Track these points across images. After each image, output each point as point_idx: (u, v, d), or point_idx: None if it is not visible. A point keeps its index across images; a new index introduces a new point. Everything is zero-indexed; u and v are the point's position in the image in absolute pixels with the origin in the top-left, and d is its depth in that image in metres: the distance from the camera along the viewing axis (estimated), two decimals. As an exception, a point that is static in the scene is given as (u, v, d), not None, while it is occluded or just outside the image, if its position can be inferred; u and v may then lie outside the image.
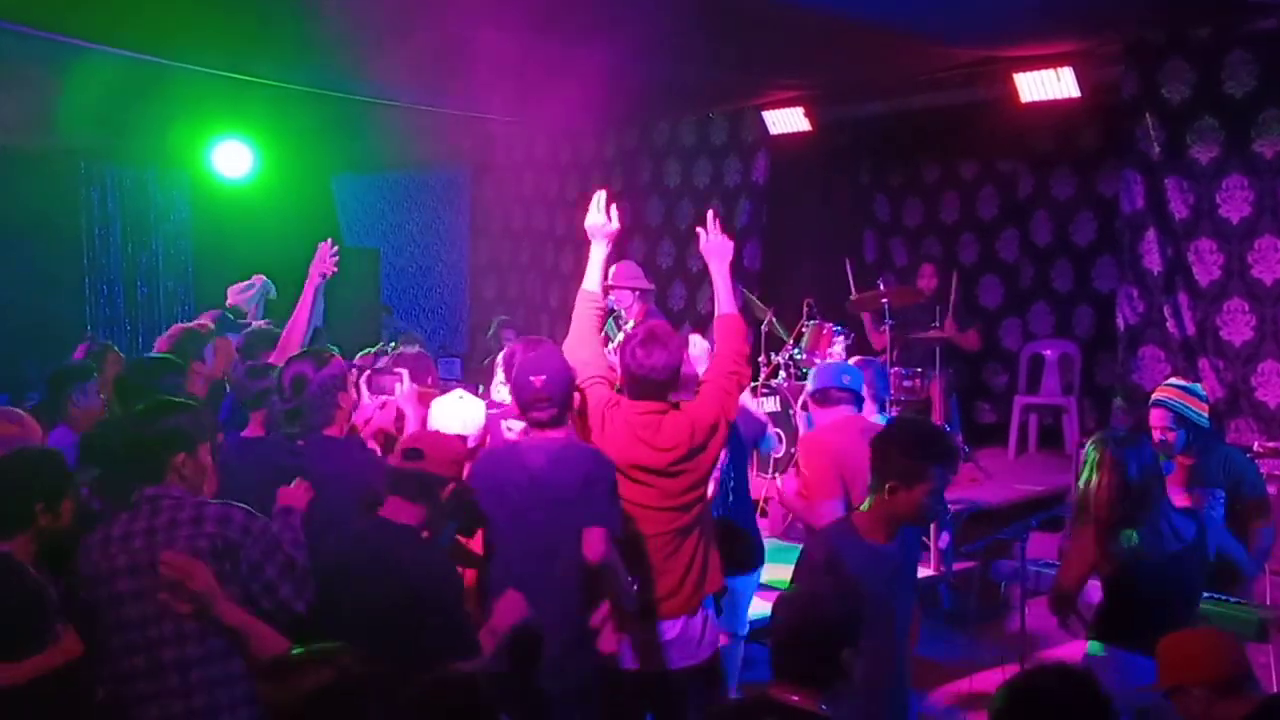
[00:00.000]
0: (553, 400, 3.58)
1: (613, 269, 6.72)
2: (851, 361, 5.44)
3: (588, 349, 3.98)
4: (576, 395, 3.77)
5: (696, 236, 4.30)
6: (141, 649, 3.06)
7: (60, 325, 9.47)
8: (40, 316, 9.14)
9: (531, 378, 3.57)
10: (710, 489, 4.09)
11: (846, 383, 4.57)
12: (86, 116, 8.06)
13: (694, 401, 3.91)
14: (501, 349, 4.80)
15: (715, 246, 4.14)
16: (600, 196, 4.17)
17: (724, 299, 4.08)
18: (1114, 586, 3.74)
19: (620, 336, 6.07)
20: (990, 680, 4.92)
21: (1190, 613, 3.72)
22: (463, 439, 3.71)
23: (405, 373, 4.45)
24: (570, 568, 3.50)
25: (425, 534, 3.26)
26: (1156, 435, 4.42)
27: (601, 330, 4.13)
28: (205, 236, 10.17)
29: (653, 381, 3.78)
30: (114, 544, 3.13)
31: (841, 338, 7.64)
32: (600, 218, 4.14)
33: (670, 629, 3.80)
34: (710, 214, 4.24)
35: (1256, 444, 6.21)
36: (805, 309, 7.89)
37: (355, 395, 4.17)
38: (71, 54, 6.95)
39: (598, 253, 4.14)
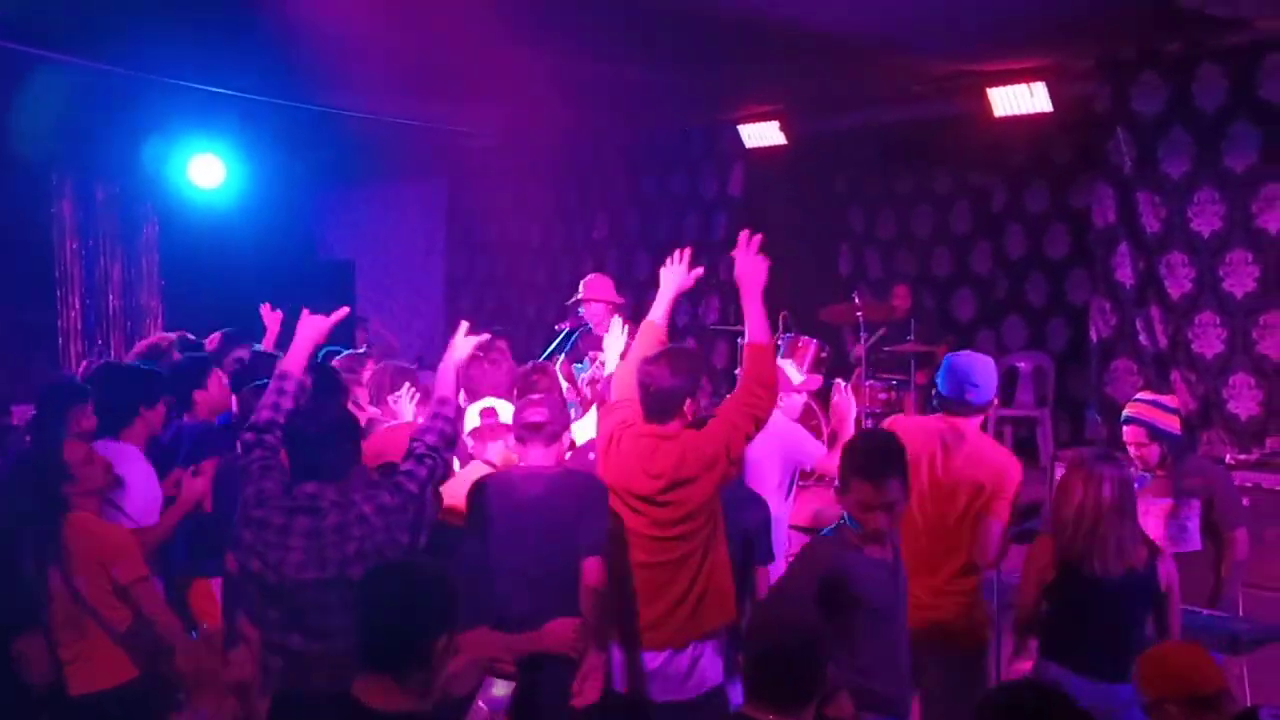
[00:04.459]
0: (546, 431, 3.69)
1: (583, 282, 6.69)
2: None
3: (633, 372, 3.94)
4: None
5: (672, 248, 4.27)
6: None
7: (32, 337, 9.36)
8: (10, 329, 9.06)
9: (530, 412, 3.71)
10: None
11: (969, 397, 4.10)
12: (57, 128, 7.98)
13: (699, 431, 3.75)
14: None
15: (748, 270, 3.87)
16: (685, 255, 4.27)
17: (754, 326, 3.81)
18: (1053, 599, 3.75)
19: (589, 372, 6.00)
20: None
21: (1130, 638, 3.62)
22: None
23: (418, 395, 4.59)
24: (570, 591, 3.48)
25: None
26: (1132, 451, 4.44)
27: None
28: (178, 249, 10.11)
29: (659, 393, 3.71)
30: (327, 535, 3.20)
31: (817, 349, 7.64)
32: (680, 273, 4.24)
33: (652, 660, 3.67)
34: (745, 234, 3.96)
35: (1229, 456, 6.25)
36: (781, 321, 7.89)
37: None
38: (40, 65, 6.90)
39: (670, 291, 4.23)
